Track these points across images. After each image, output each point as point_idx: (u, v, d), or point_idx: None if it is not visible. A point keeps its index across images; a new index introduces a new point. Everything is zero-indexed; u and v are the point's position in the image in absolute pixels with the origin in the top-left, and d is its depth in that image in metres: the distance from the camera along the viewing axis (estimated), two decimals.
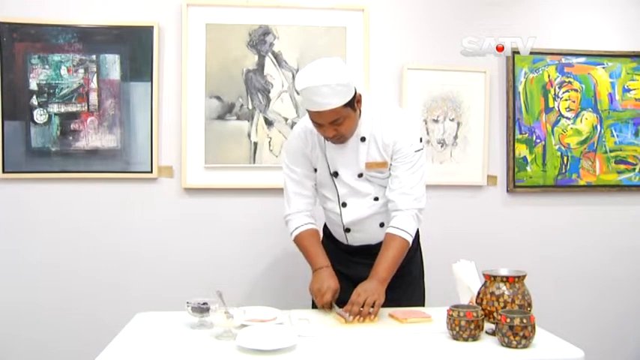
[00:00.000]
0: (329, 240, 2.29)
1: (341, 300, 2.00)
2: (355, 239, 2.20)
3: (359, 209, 2.14)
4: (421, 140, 2.10)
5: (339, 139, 2.02)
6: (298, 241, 2.16)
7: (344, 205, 2.15)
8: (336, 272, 2.08)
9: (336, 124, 1.95)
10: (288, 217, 2.19)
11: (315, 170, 2.17)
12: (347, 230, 2.19)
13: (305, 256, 2.16)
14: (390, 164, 2.08)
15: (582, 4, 3.16)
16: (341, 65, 1.95)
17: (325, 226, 2.33)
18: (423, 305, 2.23)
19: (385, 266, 1.99)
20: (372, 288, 1.93)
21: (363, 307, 1.89)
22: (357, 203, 2.13)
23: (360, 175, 2.10)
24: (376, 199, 2.13)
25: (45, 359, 2.82)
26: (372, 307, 1.90)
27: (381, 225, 2.16)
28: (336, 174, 2.12)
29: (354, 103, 1.96)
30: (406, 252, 2.07)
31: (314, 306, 2.27)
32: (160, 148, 2.86)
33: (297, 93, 1.99)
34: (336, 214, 2.17)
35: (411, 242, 2.07)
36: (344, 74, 1.90)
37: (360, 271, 2.08)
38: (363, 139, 2.06)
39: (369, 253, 2.15)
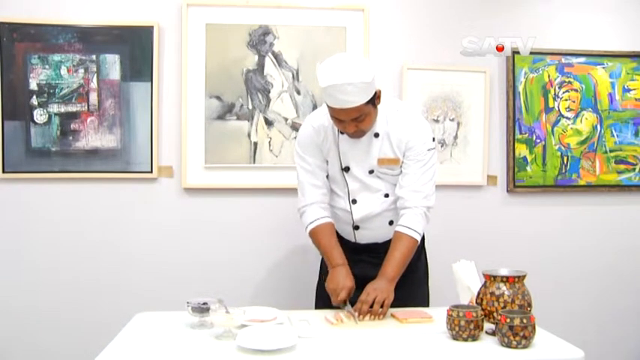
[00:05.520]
0: None
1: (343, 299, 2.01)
2: (364, 237, 2.20)
3: (369, 205, 2.14)
4: (434, 140, 2.12)
5: (359, 134, 2.03)
6: (313, 235, 2.15)
7: (354, 201, 2.15)
8: None
9: (358, 120, 1.96)
10: (303, 209, 2.17)
11: (327, 162, 2.16)
12: (356, 228, 2.19)
13: (321, 252, 2.16)
14: (402, 162, 2.09)
15: (582, 4, 3.16)
16: (365, 62, 1.96)
17: None
18: (427, 305, 2.23)
19: (394, 265, 2.00)
20: (381, 287, 1.94)
21: (372, 306, 1.90)
22: (367, 199, 2.14)
23: (371, 172, 2.11)
24: (387, 195, 2.14)
25: (44, 359, 2.82)
26: (382, 306, 1.91)
27: (391, 223, 2.16)
28: (347, 169, 2.12)
29: (375, 99, 1.98)
30: (414, 251, 2.08)
31: (317, 306, 2.27)
32: (159, 148, 2.86)
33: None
34: (346, 211, 2.17)
35: (419, 241, 2.07)
36: (368, 72, 1.91)
37: (366, 270, 2.08)
38: (376, 135, 2.07)
39: (377, 251, 2.16)
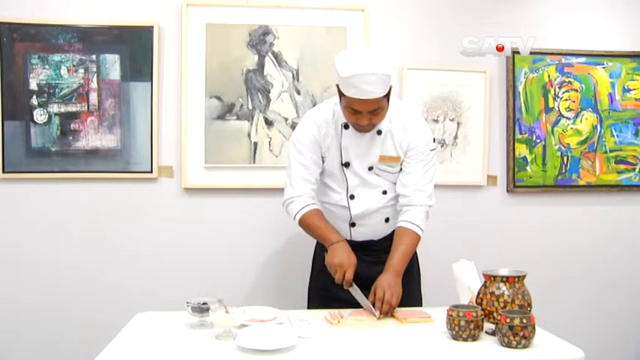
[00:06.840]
0: None
1: (338, 297, 2.02)
2: (359, 234, 2.20)
3: (367, 201, 2.14)
4: (434, 141, 2.16)
5: (369, 128, 2.04)
6: (304, 220, 2.12)
7: (352, 197, 2.15)
8: None
9: (374, 113, 1.97)
10: (290, 200, 2.15)
11: (323, 160, 2.16)
12: (352, 225, 2.18)
13: (315, 233, 2.13)
14: (403, 160, 2.11)
15: (582, 4, 3.16)
16: (385, 55, 1.99)
17: None
18: (421, 303, 2.24)
19: (400, 258, 2.02)
20: (392, 283, 1.95)
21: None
22: (366, 195, 2.14)
23: (371, 169, 2.12)
24: (384, 192, 2.15)
25: (45, 359, 2.82)
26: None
27: (387, 220, 2.17)
28: (347, 164, 2.12)
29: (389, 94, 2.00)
30: (416, 246, 2.10)
31: (310, 306, 2.27)
32: (159, 148, 2.86)
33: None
34: (342, 207, 2.17)
35: (421, 237, 2.09)
36: (389, 64, 1.94)
37: (362, 269, 2.07)
38: (379, 132, 2.09)
39: (372, 249, 2.17)
